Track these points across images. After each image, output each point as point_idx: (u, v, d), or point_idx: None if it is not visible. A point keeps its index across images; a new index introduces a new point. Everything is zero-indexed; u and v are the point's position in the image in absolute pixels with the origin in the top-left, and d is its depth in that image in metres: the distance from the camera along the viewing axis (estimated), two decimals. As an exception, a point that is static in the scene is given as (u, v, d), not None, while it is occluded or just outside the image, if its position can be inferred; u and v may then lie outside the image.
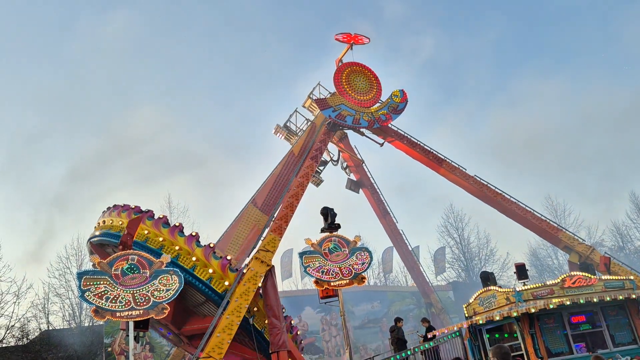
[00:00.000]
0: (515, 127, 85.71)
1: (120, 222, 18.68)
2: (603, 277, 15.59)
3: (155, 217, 18.91)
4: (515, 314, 13.87)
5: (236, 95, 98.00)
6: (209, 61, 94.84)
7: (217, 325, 16.61)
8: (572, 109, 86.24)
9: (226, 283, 17.90)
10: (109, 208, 20.16)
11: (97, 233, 19.71)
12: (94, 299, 11.43)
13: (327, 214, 15.25)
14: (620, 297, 14.28)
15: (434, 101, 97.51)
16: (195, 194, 79.15)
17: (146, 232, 17.97)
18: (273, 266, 19.53)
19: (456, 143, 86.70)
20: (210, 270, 17.91)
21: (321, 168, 30.42)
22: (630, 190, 67.41)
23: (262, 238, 20.65)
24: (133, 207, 19.41)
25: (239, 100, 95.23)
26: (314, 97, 28.48)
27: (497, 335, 15.69)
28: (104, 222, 19.69)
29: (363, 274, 14.82)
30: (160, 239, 18.02)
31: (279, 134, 30.06)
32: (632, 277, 16.36)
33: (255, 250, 19.93)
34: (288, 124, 29.93)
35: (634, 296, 14.45)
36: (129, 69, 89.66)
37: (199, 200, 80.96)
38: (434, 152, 29.03)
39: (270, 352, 18.26)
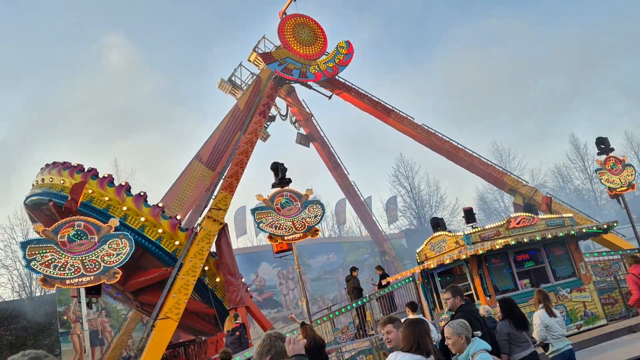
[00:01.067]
0: (468, 72, 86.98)
1: (62, 181, 17.81)
2: (545, 216, 16.26)
3: (100, 175, 18.16)
4: (464, 257, 14.36)
5: (183, 49, 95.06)
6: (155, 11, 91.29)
7: (173, 286, 16.57)
8: (530, 52, 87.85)
9: (177, 242, 17.74)
10: (47, 165, 19.01)
11: (37, 191, 18.64)
12: (40, 268, 11.15)
13: (278, 169, 15.19)
14: (561, 234, 14.95)
15: (385, 51, 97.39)
16: (146, 157, 77.53)
17: (91, 191, 17.27)
18: (226, 224, 19.49)
19: (409, 93, 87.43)
20: (160, 230, 17.67)
21: (269, 123, 30.14)
22: (570, 133, 69.97)
23: (213, 197, 20.48)
24: (75, 165, 18.44)
25: (185, 55, 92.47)
26: (260, 51, 27.90)
27: (448, 278, 16.26)
28: (42, 180, 18.66)
29: (316, 226, 14.94)
30: (106, 198, 17.43)
31: (223, 88, 29.44)
32: (571, 215, 17.13)
33: (207, 209, 19.79)
34: (233, 78, 29.30)
35: (572, 232, 15.17)
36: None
37: (149, 163, 79.40)
38: (382, 102, 29.16)
39: (228, 308, 18.40)
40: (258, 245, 44.54)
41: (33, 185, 19.20)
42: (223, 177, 21.33)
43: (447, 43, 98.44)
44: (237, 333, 14.00)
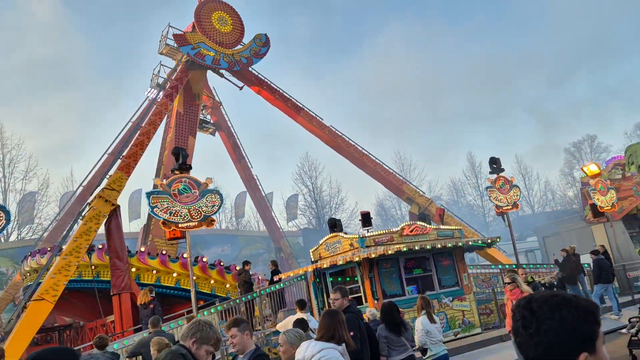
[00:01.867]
0: (388, 79, 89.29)
1: None
2: (437, 227, 16.94)
3: None
4: (357, 259, 14.61)
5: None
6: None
7: (53, 266, 15.56)
8: (450, 66, 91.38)
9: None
10: None
11: None
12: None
13: (179, 154, 14.67)
14: (450, 245, 15.64)
15: (313, 49, 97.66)
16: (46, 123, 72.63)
17: None
18: (118, 206, 18.62)
19: (330, 94, 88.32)
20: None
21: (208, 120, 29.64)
22: (467, 150, 73.76)
23: (108, 176, 19.48)
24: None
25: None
26: (169, 40, 27.08)
27: (339, 279, 16.50)
28: None
29: (213, 216, 14.61)
30: None
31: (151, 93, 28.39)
32: (460, 228, 17.99)
33: (99, 188, 18.80)
34: (159, 82, 28.35)
35: (460, 244, 15.92)
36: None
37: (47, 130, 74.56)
38: (293, 99, 29.16)
39: (112, 294, 17.60)
40: (152, 231, 43.02)
41: None
42: (121, 156, 20.36)
43: (373, 46, 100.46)
44: (152, 306, 14.61)
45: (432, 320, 8.81)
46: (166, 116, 26.80)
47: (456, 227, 17.51)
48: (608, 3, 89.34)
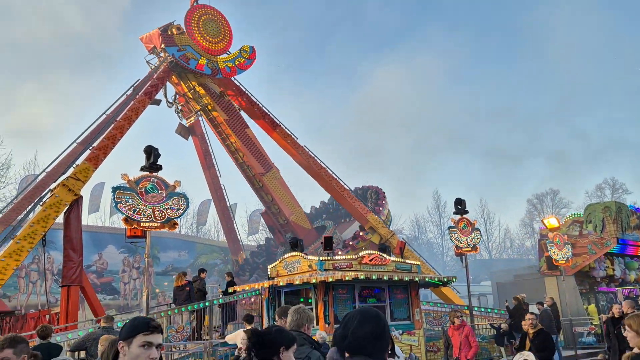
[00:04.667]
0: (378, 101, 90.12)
1: None
2: (396, 259, 17.13)
3: None
4: (314, 281, 14.66)
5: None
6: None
7: (4, 249, 15.18)
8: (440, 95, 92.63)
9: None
10: None
11: None
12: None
13: (151, 152, 14.52)
14: (406, 279, 15.83)
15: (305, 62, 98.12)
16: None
17: None
18: (81, 196, 18.31)
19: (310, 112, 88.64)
20: None
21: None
22: (434, 189, 74.84)
23: (75, 165, 19.17)
24: None
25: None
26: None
27: (294, 298, 16.49)
28: None
29: (176, 219, 14.48)
30: None
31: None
32: (419, 263, 18.24)
33: (64, 176, 18.48)
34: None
35: (416, 279, 16.13)
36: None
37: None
38: (271, 115, 29.28)
39: (61, 285, 17.22)
40: (109, 227, 42.29)
41: None
42: (91, 147, 20.08)
43: (360, 74, 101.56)
44: (187, 289, 16.41)
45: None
46: (213, 127, 28.97)
47: (415, 262, 17.75)
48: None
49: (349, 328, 2.67)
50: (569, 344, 20.96)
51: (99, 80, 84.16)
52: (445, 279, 17.67)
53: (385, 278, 15.29)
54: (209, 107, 28.77)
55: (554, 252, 21.58)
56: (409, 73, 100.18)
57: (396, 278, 15.54)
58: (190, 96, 29.05)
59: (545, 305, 18.38)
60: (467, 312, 20.10)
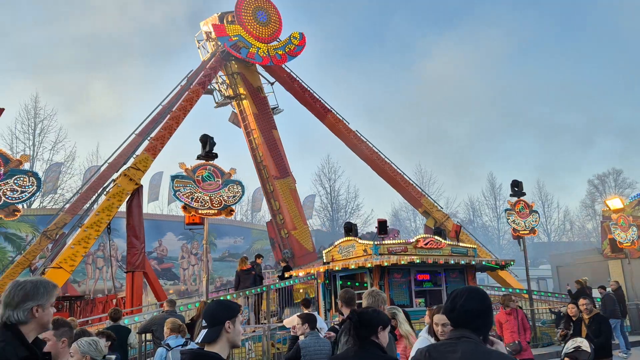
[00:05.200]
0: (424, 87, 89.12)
1: None
2: (451, 243, 16.98)
3: None
4: (369, 265, 14.73)
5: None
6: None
7: (74, 237, 15.93)
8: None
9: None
10: None
11: None
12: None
13: (207, 141, 14.89)
14: (462, 262, 15.69)
15: (333, 56, 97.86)
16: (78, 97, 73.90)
17: None
18: (141, 186, 18.95)
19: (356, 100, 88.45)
20: None
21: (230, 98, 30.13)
22: (489, 171, 73.33)
23: (134, 155, 19.84)
24: None
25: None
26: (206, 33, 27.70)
27: (349, 283, 16.61)
28: None
29: (232, 206, 14.83)
30: None
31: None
32: (475, 246, 18.01)
33: (125, 167, 19.16)
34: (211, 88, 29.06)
35: (473, 262, 15.96)
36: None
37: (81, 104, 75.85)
38: (322, 100, 29.29)
39: (126, 271, 17.94)
40: (167, 215, 43.60)
41: None
42: (149, 138, 20.72)
43: (413, 56, 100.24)
44: (253, 272, 17.28)
45: (432, 334, 8.85)
46: (242, 119, 28.55)
47: (471, 246, 17.55)
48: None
49: (456, 302, 2.89)
50: (636, 329, 20.29)
51: (162, 69, 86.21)
52: (503, 263, 17.39)
53: (441, 262, 15.21)
54: (242, 96, 28.78)
55: (618, 234, 20.86)
56: (466, 53, 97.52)
57: (452, 262, 15.43)
58: (228, 82, 29.26)
59: (608, 289, 17.81)
60: (526, 296, 19.72)
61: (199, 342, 3.11)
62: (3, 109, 11.42)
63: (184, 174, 14.28)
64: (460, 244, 17.88)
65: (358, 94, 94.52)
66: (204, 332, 3.10)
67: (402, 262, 14.54)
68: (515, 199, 20.04)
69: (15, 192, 11.36)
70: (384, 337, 3.75)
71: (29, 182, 11.57)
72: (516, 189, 20.00)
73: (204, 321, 3.12)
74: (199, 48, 29.46)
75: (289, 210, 27.76)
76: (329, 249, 17.64)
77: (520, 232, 19.48)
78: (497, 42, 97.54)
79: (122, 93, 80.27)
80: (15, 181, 11.35)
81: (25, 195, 11.68)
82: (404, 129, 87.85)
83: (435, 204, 29.03)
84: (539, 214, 20.75)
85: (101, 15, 75.32)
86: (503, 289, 21.56)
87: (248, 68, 28.35)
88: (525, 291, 20.26)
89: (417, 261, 14.77)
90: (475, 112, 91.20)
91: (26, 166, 11.88)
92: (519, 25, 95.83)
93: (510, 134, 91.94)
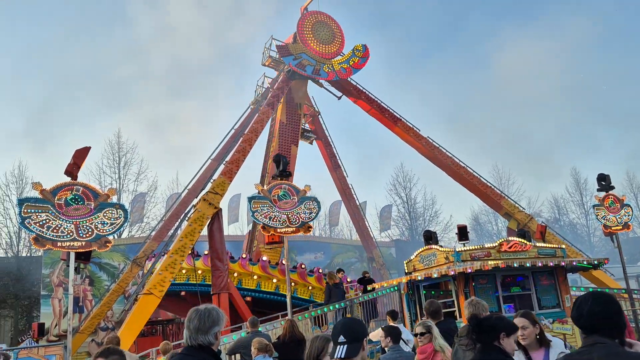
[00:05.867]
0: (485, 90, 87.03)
1: None
2: (537, 244, 16.30)
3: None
4: (452, 273, 14.39)
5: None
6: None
7: (161, 263, 16.59)
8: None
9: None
10: None
11: None
12: (34, 227, 11.00)
13: (280, 161, 15.19)
14: (551, 264, 15.00)
15: (398, 62, 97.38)
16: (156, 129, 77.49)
17: None
18: (220, 209, 19.50)
19: (421, 105, 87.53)
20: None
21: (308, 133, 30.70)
22: (572, 166, 70.06)
23: (212, 180, 20.49)
24: None
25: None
26: (272, 52, 28.12)
27: (433, 292, 16.29)
28: None
29: (310, 223, 14.96)
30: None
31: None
32: (563, 246, 17.18)
33: (203, 192, 19.81)
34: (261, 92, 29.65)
35: (562, 264, 15.21)
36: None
37: (159, 137, 79.45)
38: (391, 110, 29.19)
39: (212, 293, 18.44)
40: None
41: None
42: (224, 162, 21.34)
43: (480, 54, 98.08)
44: (342, 286, 17.55)
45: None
46: (269, 125, 27.95)
47: (559, 246, 16.76)
48: None
49: (583, 309, 2.88)
50: None
51: (221, 102, 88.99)
52: (596, 262, 16.48)
53: (527, 265, 14.62)
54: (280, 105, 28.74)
55: None
56: (545, 45, 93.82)
57: (540, 264, 14.79)
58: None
59: None
60: (626, 295, 18.58)
61: (341, 357, 3.21)
62: (89, 148, 12.10)
63: (260, 194, 14.58)
64: (547, 245, 17.12)
65: (428, 99, 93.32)
66: (341, 347, 3.17)
67: (487, 268, 14.09)
68: (602, 193, 19.00)
69: (105, 225, 11.58)
70: (508, 344, 3.75)
71: (117, 214, 11.80)
72: (603, 183, 18.94)
73: (341, 337, 3.20)
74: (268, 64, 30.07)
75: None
76: (409, 259, 17.40)
77: (612, 228, 18.39)
78: (581, 30, 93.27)
79: (206, 118, 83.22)
80: (105, 214, 11.65)
81: (115, 227, 11.86)
82: (479, 130, 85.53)
83: (517, 205, 28.06)
84: (631, 207, 19.52)
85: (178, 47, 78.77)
86: (599, 290, 20.40)
87: (301, 83, 28.37)
88: (624, 290, 19.09)
89: (502, 266, 14.28)
90: (554, 105, 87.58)
91: (114, 199, 12.53)
92: (604, 12, 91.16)
93: (594, 126, 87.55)
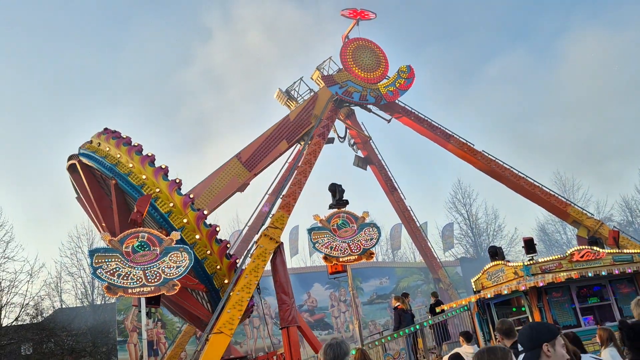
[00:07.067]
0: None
1: (107, 148, 17.50)
2: (611, 251, 15.59)
3: (144, 153, 17.62)
4: (523, 288, 13.93)
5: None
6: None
7: (228, 302, 16.81)
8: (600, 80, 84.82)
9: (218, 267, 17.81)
10: (104, 129, 18.70)
11: (83, 151, 18.39)
12: (106, 276, 11.48)
13: (335, 190, 15.28)
14: (629, 271, 14.30)
15: (446, 78, 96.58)
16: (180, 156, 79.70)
17: (131, 165, 16.94)
18: (282, 243, 19.67)
19: (473, 117, 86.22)
20: (197, 236, 17.21)
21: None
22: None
23: (271, 215, 20.75)
24: (124, 137, 18.06)
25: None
26: (323, 71, 28.25)
27: (505, 309, 15.80)
28: (91, 142, 18.41)
29: (371, 249, 14.88)
30: (143, 177, 16.74)
31: (279, 98, 29.91)
32: (640, 251, 16.35)
33: (264, 227, 20.06)
34: (290, 90, 29.76)
35: (642, 269, 14.48)
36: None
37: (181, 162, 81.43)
38: (442, 127, 28.93)
39: (280, 327, 18.51)
40: (311, 266, 44.55)
41: (84, 144, 18.66)
42: (281, 196, 21.60)
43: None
44: (410, 311, 17.64)
45: (622, 356, 8.06)
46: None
47: (635, 251, 15.96)
48: None
49: None
50: None
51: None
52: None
53: (603, 273, 14.00)
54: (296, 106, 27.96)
55: None
56: (613, 41, 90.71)
57: (617, 271, 14.12)
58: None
59: None
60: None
61: None
62: (151, 195, 12.59)
63: (320, 225, 14.66)
64: (623, 250, 16.35)
65: (479, 111, 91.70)
66: (521, 357, 3.08)
67: (560, 280, 13.56)
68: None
69: (172, 269, 12.00)
70: None
71: (182, 257, 12.23)
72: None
73: (519, 346, 3.12)
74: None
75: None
76: (477, 277, 16.98)
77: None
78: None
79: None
80: (171, 258, 12.07)
81: (181, 270, 12.24)
82: (537, 135, 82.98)
83: (584, 212, 26.98)
84: None
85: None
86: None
87: (326, 95, 27.74)
88: None
89: (576, 277, 13.71)
90: (608, 105, 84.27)
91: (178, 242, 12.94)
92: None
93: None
